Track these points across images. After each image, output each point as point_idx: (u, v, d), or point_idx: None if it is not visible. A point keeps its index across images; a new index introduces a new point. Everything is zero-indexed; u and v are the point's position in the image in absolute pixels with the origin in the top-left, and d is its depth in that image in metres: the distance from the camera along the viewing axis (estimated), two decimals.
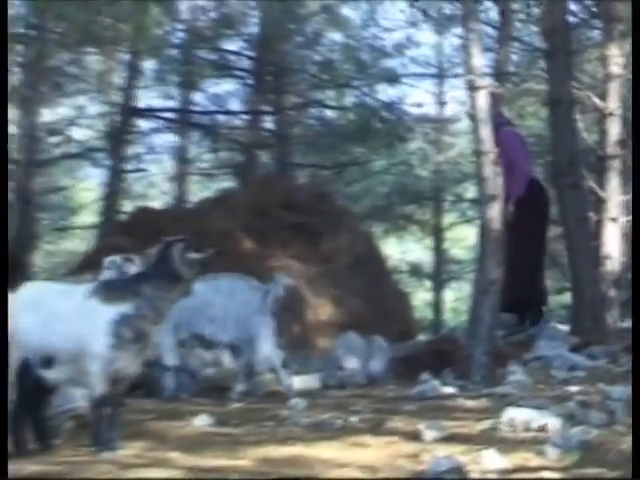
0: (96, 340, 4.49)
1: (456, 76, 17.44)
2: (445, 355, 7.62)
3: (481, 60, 7.42)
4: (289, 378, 7.04)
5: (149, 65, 16.04)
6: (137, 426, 5.20)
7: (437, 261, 20.91)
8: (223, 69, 16.40)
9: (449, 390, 6.28)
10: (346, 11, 16.23)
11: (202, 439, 4.81)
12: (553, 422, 4.52)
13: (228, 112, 17.21)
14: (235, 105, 17.28)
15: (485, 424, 4.72)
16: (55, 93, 15.80)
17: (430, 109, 19.50)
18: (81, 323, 4.55)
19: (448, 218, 21.16)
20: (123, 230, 11.04)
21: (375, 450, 4.31)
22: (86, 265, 9.07)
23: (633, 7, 6.46)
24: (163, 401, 6.56)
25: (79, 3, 8.98)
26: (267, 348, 6.95)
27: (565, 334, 8.74)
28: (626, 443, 3.91)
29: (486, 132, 7.16)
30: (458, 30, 13.25)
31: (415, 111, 17.03)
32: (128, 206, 15.79)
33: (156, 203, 16.66)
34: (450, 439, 4.43)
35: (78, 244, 19.36)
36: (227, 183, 17.31)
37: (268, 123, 16.98)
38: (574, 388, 5.95)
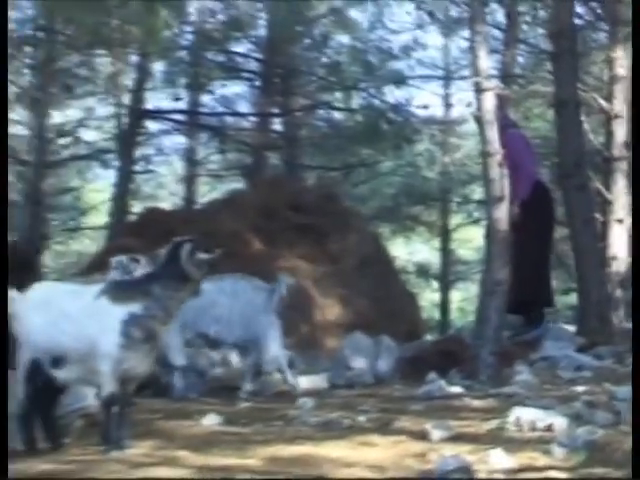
0: (106, 340, 4.50)
1: (463, 78, 17.48)
2: (452, 355, 7.60)
3: (488, 62, 7.45)
4: (295, 378, 7.08)
5: (158, 67, 16.13)
6: (146, 425, 5.21)
7: (444, 262, 20.92)
8: (231, 71, 16.44)
9: (456, 390, 6.27)
10: (353, 13, 16.31)
11: (211, 438, 4.81)
12: (559, 422, 4.52)
13: (236, 114, 17.26)
14: (243, 107, 17.38)
15: (492, 424, 4.72)
16: (65, 95, 15.87)
17: (437, 111, 19.56)
18: (91, 323, 4.56)
19: (455, 219, 21.18)
20: (132, 231, 11.08)
21: (383, 449, 4.30)
22: (96, 265, 9.09)
23: (633, 7, 6.49)
24: (172, 400, 6.56)
25: (88, 5, 9.01)
26: (273, 348, 6.99)
27: (571, 334, 8.73)
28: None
29: (492, 134, 7.19)
30: (465, 32, 13.30)
31: (422, 113, 17.03)
32: (137, 207, 15.88)
33: (165, 204, 16.75)
34: (457, 439, 4.43)
35: (88, 245, 19.49)
36: (235, 184, 17.34)
37: (276, 125, 17.05)
38: (580, 388, 5.95)
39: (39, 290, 4.90)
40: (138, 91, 15.78)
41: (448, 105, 20.19)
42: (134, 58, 15.61)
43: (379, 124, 15.23)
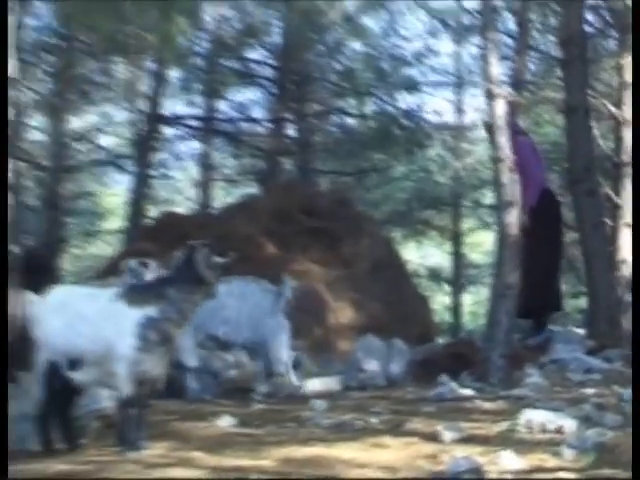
0: (122, 342, 4.54)
1: (474, 85, 17.50)
2: (463, 358, 7.64)
3: (498, 69, 7.51)
4: (299, 378, 7.13)
5: (174, 74, 16.18)
6: (162, 426, 5.24)
7: (456, 265, 20.88)
8: (246, 78, 16.48)
9: (467, 392, 6.31)
10: (366, 21, 16.30)
11: (225, 439, 4.85)
12: (569, 424, 4.57)
13: (251, 120, 17.28)
14: (258, 113, 17.37)
15: (502, 425, 4.77)
16: (83, 101, 15.95)
17: (449, 117, 19.51)
18: (107, 326, 4.60)
19: (466, 223, 21.15)
20: (148, 235, 11.12)
21: (395, 451, 4.34)
22: (112, 269, 9.14)
23: (633, 7, 6.52)
24: (187, 402, 6.60)
25: (106, 13, 9.07)
26: (279, 349, 7.03)
27: (581, 337, 8.78)
28: None
29: (503, 139, 7.25)
30: (476, 40, 13.35)
31: (434, 119, 17.08)
32: (153, 211, 15.94)
33: (181, 208, 16.77)
34: (468, 440, 4.47)
35: (104, 248, 19.53)
36: (250, 189, 17.35)
37: (290, 130, 17.06)
38: (590, 390, 6.00)
39: (56, 293, 4.94)
40: (154, 97, 15.83)
41: (460, 111, 20.18)
42: (150, 65, 15.65)
43: (391, 130, 15.27)
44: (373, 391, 7.18)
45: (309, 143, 16.63)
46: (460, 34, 16.27)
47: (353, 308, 10.24)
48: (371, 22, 16.50)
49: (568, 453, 4.03)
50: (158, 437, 4.86)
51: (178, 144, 17.72)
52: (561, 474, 3.71)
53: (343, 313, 10.13)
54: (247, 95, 17.19)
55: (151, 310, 4.59)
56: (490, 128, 7.42)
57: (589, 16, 11.74)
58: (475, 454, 3.98)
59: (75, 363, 4.68)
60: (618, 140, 9.83)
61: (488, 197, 18.97)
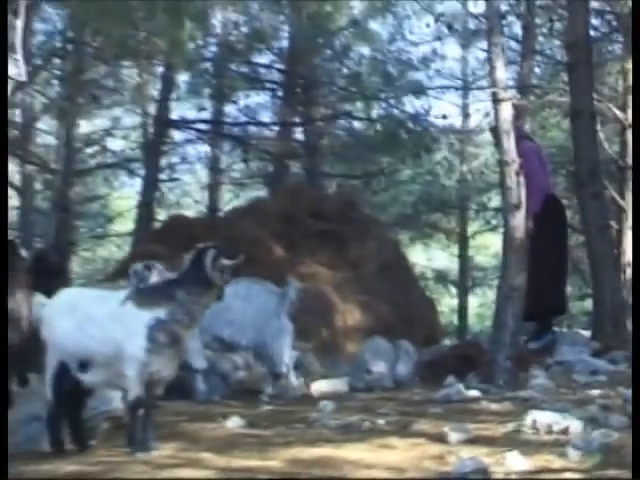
0: (132, 344, 4.56)
1: (480, 88, 17.51)
2: (469, 359, 7.64)
3: (505, 73, 7.53)
4: (298, 379, 7.16)
5: (183, 78, 16.24)
6: (171, 427, 5.27)
7: (462, 268, 20.93)
8: (254, 82, 16.51)
9: (473, 394, 6.32)
10: (374, 26, 16.34)
11: (233, 440, 4.87)
12: (575, 425, 4.59)
13: (259, 123, 17.34)
14: (266, 116, 17.46)
15: (508, 427, 4.79)
16: (92, 105, 16.00)
17: (455, 120, 19.57)
18: (117, 328, 4.63)
19: (473, 226, 21.21)
20: (157, 238, 11.18)
21: (401, 451, 4.37)
22: (122, 271, 9.19)
23: (633, 9, 6.54)
24: (196, 403, 6.63)
25: (115, 18, 9.12)
26: (280, 350, 7.06)
27: (587, 339, 8.82)
28: None
29: (509, 143, 7.27)
30: (482, 44, 13.34)
31: (440, 122, 17.01)
32: (162, 214, 16.06)
33: (189, 211, 16.88)
34: (474, 441, 4.50)
35: (114, 251, 19.65)
36: (258, 192, 17.45)
37: (298, 134, 17.14)
38: (595, 392, 6.01)
39: (66, 295, 4.99)
40: (163, 101, 15.88)
41: (466, 115, 20.22)
42: (160, 69, 15.73)
43: (398, 133, 15.27)
44: (380, 392, 7.19)
45: (317, 146, 16.68)
46: (466, 38, 16.29)
47: (360, 310, 10.28)
48: (378, 27, 16.58)
49: (574, 454, 4.05)
50: (167, 438, 4.89)
51: (187, 148, 17.82)
52: (567, 475, 3.75)
53: (350, 315, 10.17)
54: (255, 99, 17.27)
55: (160, 312, 4.61)
56: (496, 131, 7.45)
57: (595, 20, 11.79)
58: (481, 455, 4.00)
59: (85, 365, 4.71)
60: (623, 144, 9.87)
61: (494, 200, 18.99)
